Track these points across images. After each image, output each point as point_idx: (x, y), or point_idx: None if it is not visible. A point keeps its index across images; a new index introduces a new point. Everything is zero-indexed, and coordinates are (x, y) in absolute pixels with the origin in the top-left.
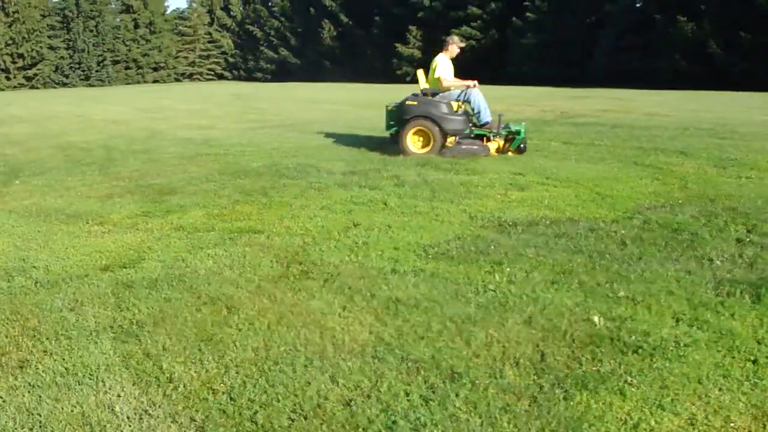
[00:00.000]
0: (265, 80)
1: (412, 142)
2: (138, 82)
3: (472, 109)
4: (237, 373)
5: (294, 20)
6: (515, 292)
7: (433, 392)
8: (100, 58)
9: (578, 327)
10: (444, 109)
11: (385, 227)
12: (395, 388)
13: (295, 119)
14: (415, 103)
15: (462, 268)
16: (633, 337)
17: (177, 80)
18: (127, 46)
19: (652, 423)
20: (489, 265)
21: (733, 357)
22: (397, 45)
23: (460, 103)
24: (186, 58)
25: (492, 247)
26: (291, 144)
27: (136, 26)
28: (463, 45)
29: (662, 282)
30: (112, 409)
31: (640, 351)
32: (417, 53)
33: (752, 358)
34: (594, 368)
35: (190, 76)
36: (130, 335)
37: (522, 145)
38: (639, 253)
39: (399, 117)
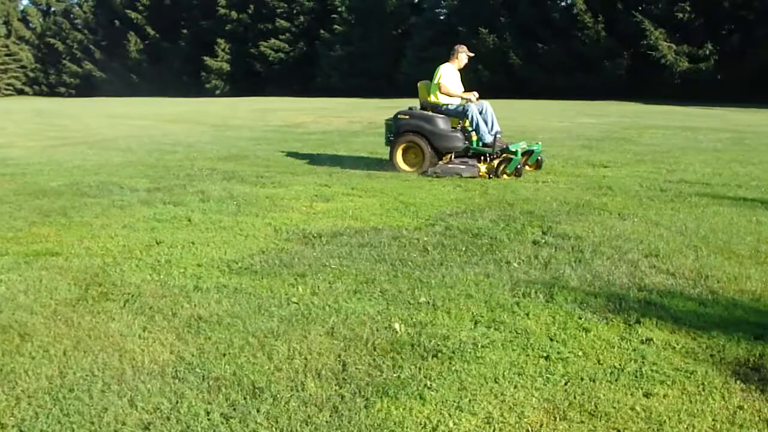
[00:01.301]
0: (70, 95)
1: (403, 158)
2: None
3: (470, 126)
4: (29, 404)
5: (98, 33)
6: (318, 304)
7: (234, 409)
8: None
9: (380, 335)
10: (440, 124)
11: (189, 244)
12: (195, 408)
13: (99, 136)
14: (407, 117)
15: (265, 282)
16: (433, 342)
17: None
18: None
19: (451, 425)
20: (293, 278)
21: (528, 355)
22: (205, 58)
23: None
24: None
25: (296, 259)
26: (93, 161)
27: None
28: (471, 55)
29: (462, 286)
30: None
31: (439, 355)
32: (226, 66)
33: (545, 354)
34: (395, 375)
35: None
36: None
37: (538, 160)
38: (440, 258)
39: (394, 131)
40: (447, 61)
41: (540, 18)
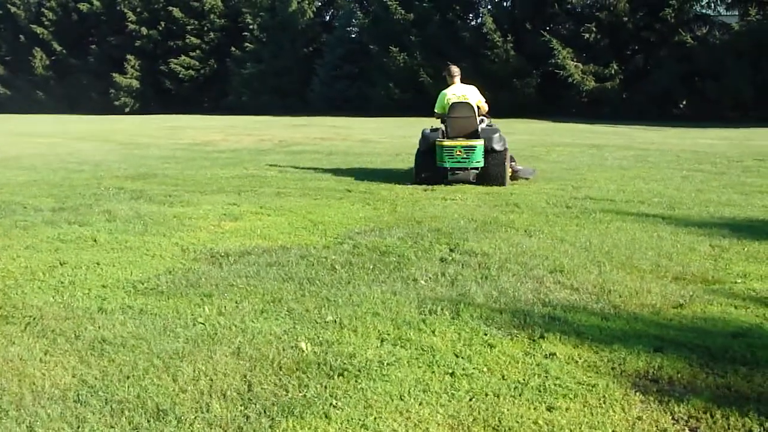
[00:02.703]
0: None
1: None
2: None
3: None
4: None
5: (1, 48)
6: (224, 324)
7: None
8: None
9: (286, 354)
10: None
11: (94, 264)
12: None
13: (2, 154)
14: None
15: (172, 303)
16: (339, 361)
17: None
18: None
19: None
20: (199, 298)
21: (433, 372)
22: (114, 75)
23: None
24: None
25: (203, 279)
26: None
27: None
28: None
29: (369, 304)
30: None
31: (345, 373)
32: (135, 83)
33: (450, 371)
34: (300, 394)
35: None
36: None
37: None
38: (348, 277)
39: None
40: (460, 83)
41: (450, 36)
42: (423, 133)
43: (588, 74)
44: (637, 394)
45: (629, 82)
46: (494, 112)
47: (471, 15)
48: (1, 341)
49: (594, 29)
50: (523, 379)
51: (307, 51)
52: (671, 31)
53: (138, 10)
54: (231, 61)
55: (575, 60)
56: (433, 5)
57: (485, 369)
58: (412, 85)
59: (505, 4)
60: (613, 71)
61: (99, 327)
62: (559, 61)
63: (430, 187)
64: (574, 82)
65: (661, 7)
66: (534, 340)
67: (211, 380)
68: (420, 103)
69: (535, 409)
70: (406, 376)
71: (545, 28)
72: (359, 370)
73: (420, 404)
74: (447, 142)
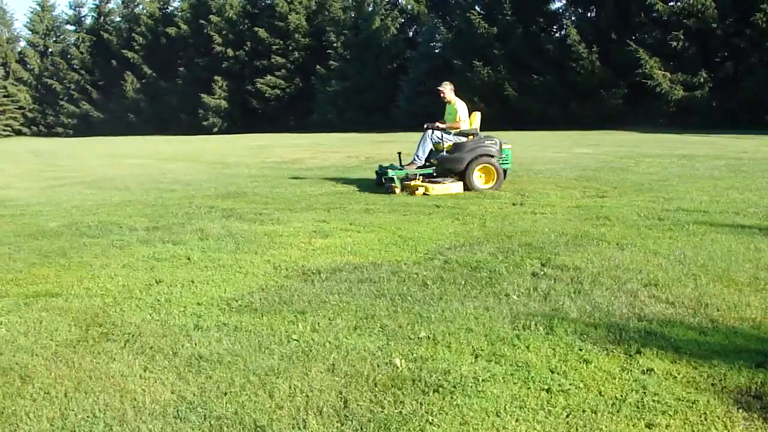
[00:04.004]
0: (67, 135)
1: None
2: None
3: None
4: None
5: (95, 73)
6: (318, 340)
7: None
8: None
9: (381, 371)
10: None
11: (188, 282)
12: None
13: (97, 175)
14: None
15: (266, 320)
16: (434, 377)
17: None
18: None
19: None
20: (292, 315)
21: (529, 388)
22: (202, 95)
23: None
24: None
25: (296, 296)
26: (92, 201)
27: None
28: (439, 88)
29: (462, 320)
30: None
31: (440, 389)
32: (223, 103)
33: (546, 387)
34: (396, 410)
35: None
36: None
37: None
38: (440, 293)
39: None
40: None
41: (534, 49)
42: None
43: (676, 83)
44: (740, 411)
45: (719, 90)
46: (579, 123)
47: (555, 27)
48: (102, 358)
49: (681, 37)
50: (621, 396)
51: (391, 67)
52: (763, 36)
53: (224, 32)
54: (316, 79)
55: (663, 69)
56: (517, 18)
57: (581, 385)
58: (497, 98)
59: (589, 14)
60: (702, 79)
61: (195, 344)
62: (646, 70)
63: (518, 201)
64: (662, 91)
65: (752, 12)
66: (630, 356)
67: (307, 397)
68: (505, 116)
69: (634, 426)
70: (501, 392)
71: (631, 38)
72: (454, 387)
73: (516, 421)
74: None
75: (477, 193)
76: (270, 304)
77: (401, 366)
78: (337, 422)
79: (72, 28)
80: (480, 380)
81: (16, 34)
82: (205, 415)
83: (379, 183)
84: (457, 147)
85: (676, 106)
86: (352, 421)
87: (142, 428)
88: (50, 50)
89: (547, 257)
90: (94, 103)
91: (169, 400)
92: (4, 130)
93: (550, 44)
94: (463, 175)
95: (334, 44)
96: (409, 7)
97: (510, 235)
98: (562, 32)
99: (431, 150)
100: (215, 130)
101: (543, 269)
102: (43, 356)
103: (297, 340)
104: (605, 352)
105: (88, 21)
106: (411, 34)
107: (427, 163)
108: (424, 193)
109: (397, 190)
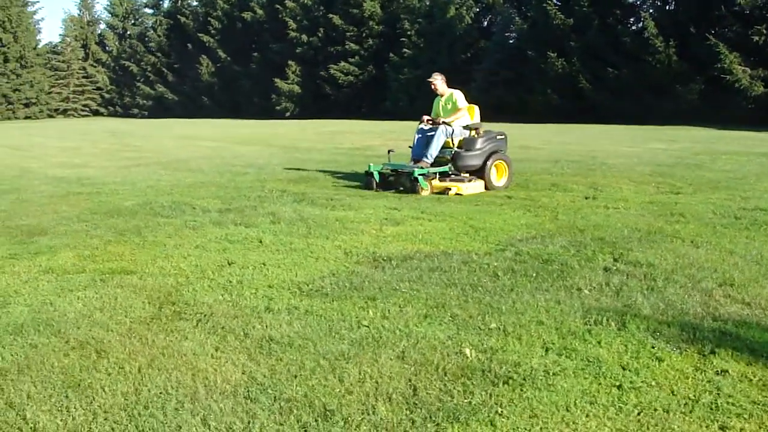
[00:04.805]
0: (142, 117)
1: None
2: (8, 119)
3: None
4: (105, 419)
5: (171, 56)
6: (388, 327)
7: (306, 431)
8: None
9: (450, 360)
10: None
11: (260, 265)
12: (267, 428)
13: (171, 156)
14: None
15: (336, 305)
16: (504, 368)
17: (50, 116)
18: None
19: None
20: (363, 301)
21: (600, 383)
22: (276, 80)
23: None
24: (59, 93)
25: (366, 282)
26: (166, 182)
27: (6, 60)
28: (429, 80)
29: (533, 312)
30: None
31: (510, 381)
32: (296, 89)
33: (617, 383)
34: (465, 400)
35: (64, 112)
36: None
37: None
38: (511, 284)
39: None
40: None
41: (610, 42)
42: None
43: (756, 79)
44: None
45: None
46: (653, 118)
47: (632, 19)
48: (175, 336)
49: (764, 31)
50: (694, 396)
51: (465, 57)
52: None
53: (299, 17)
54: (389, 66)
55: (743, 64)
56: (593, 10)
57: (654, 383)
58: (571, 91)
59: (667, 7)
60: None
61: (266, 326)
62: (725, 65)
63: (591, 195)
64: (742, 87)
65: None
66: (704, 356)
67: (377, 383)
68: (578, 109)
69: (707, 427)
70: (572, 386)
71: (710, 32)
72: (524, 379)
73: (587, 416)
74: None
75: (549, 185)
76: (341, 290)
77: (471, 356)
78: (406, 409)
79: (150, 11)
80: (550, 374)
81: (96, 16)
82: (275, 397)
83: (370, 184)
84: (470, 142)
85: (755, 102)
86: (421, 408)
87: (213, 407)
88: (128, 33)
89: (619, 252)
90: (169, 86)
91: (239, 381)
92: (82, 110)
93: (626, 37)
94: (479, 173)
95: (408, 32)
96: None
97: (582, 228)
98: (639, 25)
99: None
100: (287, 114)
101: (615, 264)
102: (117, 332)
103: (367, 326)
104: (678, 350)
105: (166, 4)
106: (485, 23)
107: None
108: (456, 194)
109: (425, 192)
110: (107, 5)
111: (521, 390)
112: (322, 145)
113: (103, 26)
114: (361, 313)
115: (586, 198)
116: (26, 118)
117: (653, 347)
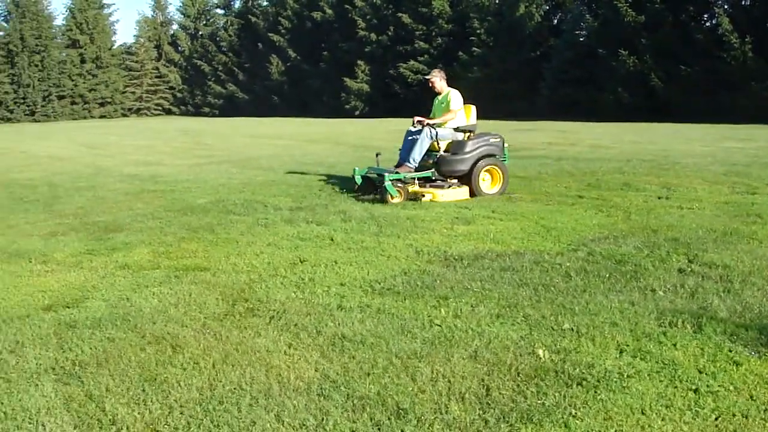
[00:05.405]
0: (213, 115)
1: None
2: (84, 118)
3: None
4: (181, 413)
5: (242, 55)
6: (461, 327)
7: (379, 429)
8: (46, 93)
9: (523, 360)
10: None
11: (332, 263)
12: (341, 426)
13: (243, 155)
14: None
15: (408, 303)
16: (577, 370)
17: (124, 115)
18: (73, 81)
19: None
20: (435, 300)
21: (676, 387)
22: (345, 79)
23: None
24: (133, 93)
25: (438, 281)
26: (238, 180)
27: (83, 61)
28: (427, 77)
29: (606, 313)
30: None
31: (584, 383)
32: (366, 87)
33: (694, 387)
34: (539, 401)
35: (138, 112)
36: (72, 377)
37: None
38: (583, 285)
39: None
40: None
41: (683, 38)
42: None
43: None
44: None
45: None
46: (727, 116)
47: (705, 16)
48: (248, 332)
49: None
50: None
51: (534, 55)
52: None
53: (368, 17)
54: (458, 65)
55: None
56: (666, 6)
57: (731, 388)
58: (642, 89)
59: (743, 3)
60: None
61: (339, 324)
62: None
63: (664, 195)
64: None
65: None
66: None
67: (450, 382)
68: (650, 108)
69: None
70: (647, 389)
71: None
72: (598, 381)
73: (662, 420)
74: None
75: (621, 185)
76: (412, 288)
77: (544, 357)
78: (479, 409)
79: (221, 11)
80: (625, 376)
81: (169, 17)
82: (348, 395)
83: (361, 189)
84: (459, 146)
85: None
86: (494, 409)
87: (287, 403)
88: (200, 33)
89: (694, 253)
90: (239, 85)
91: (313, 378)
92: (155, 109)
93: (699, 34)
94: (467, 179)
95: (477, 30)
96: None
97: (656, 229)
98: (713, 21)
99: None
100: (357, 113)
101: (690, 266)
102: (192, 327)
103: (439, 325)
104: (757, 354)
105: (237, 5)
106: (555, 21)
107: (419, 165)
108: (431, 201)
109: (395, 200)
110: (180, 6)
111: (595, 392)
112: (393, 143)
113: (175, 27)
114: (433, 312)
115: (659, 198)
116: (101, 117)
117: (730, 351)
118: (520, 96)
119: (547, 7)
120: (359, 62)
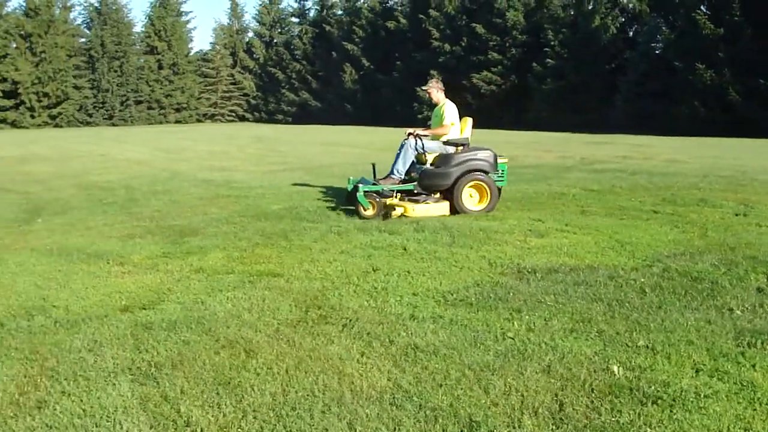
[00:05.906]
0: (286, 122)
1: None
2: (160, 122)
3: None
4: (254, 418)
5: (315, 63)
6: (534, 340)
7: None
8: (124, 98)
9: (597, 376)
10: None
11: (405, 272)
12: None
13: (316, 162)
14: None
15: (481, 315)
16: (653, 388)
17: (199, 121)
18: (150, 86)
19: None
20: (508, 313)
21: (755, 409)
22: (418, 89)
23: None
24: (208, 99)
25: (511, 294)
26: (311, 187)
27: (160, 67)
28: (424, 88)
29: (682, 331)
30: None
31: (659, 402)
32: None
33: None
34: (613, 419)
35: (212, 117)
36: (148, 377)
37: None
38: (659, 301)
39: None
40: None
41: (763, 52)
42: None
43: None
44: None
45: None
46: None
47: None
48: (321, 339)
49: None
50: None
51: (609, 67)
52: None
53: (442, 27)
54: (532, 77)
55: None
56: (745, 19)
57: None
58: (719, 103)
59: None
60: None
61: (411, 333)
62: None
63: (742, 212)
64: None
65: None
66: None
67: (522, 396)
68: (727, 122)
69: None
70: (725, 410)
71: None
72: (674, 400)
73: None
74: None
75: (697, 200)
76: (485, 300)
77: (618, 373)
78: (552, 425)
79: (296, 20)
80: (701, 396)
81: (245, 25)
82: (420, 405)
83: (350, 198)
84: (444, 159)
85: None
86: (567, 425)
87: (359, 412)
88: (275, 41)
89: None
90: (313, 93)
91: (385, 387)
92: (229, 115)
93: None
94: (449, 194)
95: (552, 42)
96: (630, 6)
97: (733, 246)
98: None
99: (412, 162)
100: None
101: None
102: (265, 333)
103: (512, 338)
104: None
105: (312, 14)
106: (631, 33)
107: (406, 178)
108: (402, 215)
109: (368, 212)
110: (255, 14)
111: (671, 411)
112: None
113: (251, 34)
114: (506, 325)
115: (737, 215)
116: (176, 122)
117: None
118: (594, 108)
119: (623, 19)
120: (432, 72)
